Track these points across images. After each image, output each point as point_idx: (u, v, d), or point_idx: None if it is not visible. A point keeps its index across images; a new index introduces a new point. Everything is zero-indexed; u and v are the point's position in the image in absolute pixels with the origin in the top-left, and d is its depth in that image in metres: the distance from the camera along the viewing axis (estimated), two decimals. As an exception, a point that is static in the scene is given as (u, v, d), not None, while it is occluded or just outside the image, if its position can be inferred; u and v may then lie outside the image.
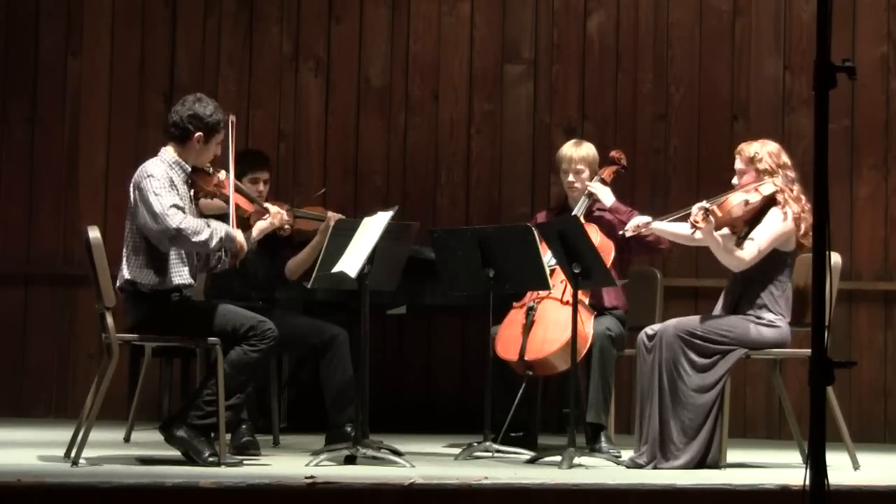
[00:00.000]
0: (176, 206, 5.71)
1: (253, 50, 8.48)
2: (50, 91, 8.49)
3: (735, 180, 6.14)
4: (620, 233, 6.36)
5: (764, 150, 6.12)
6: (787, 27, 8.27)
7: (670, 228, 6.30)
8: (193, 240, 5.71)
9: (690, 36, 8.34)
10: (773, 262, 6.03)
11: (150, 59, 8.49)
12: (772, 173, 6.06)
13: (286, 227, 6.29)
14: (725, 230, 6.01)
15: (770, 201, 6.04)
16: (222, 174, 5.96)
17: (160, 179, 5.75)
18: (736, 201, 5.99)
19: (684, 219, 6.09)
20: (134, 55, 8.48)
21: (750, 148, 6.14)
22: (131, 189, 5.85)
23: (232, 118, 5.98)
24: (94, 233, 5.84)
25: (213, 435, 5.76)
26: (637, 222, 6.32)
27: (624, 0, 8.38)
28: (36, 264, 8.42)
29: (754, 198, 6.02)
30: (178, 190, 5.80)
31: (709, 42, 8.32)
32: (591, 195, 6.73)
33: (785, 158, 6.12)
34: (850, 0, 8.15)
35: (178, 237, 5.70)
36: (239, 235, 5.87)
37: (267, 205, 6.20)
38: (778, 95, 8.25)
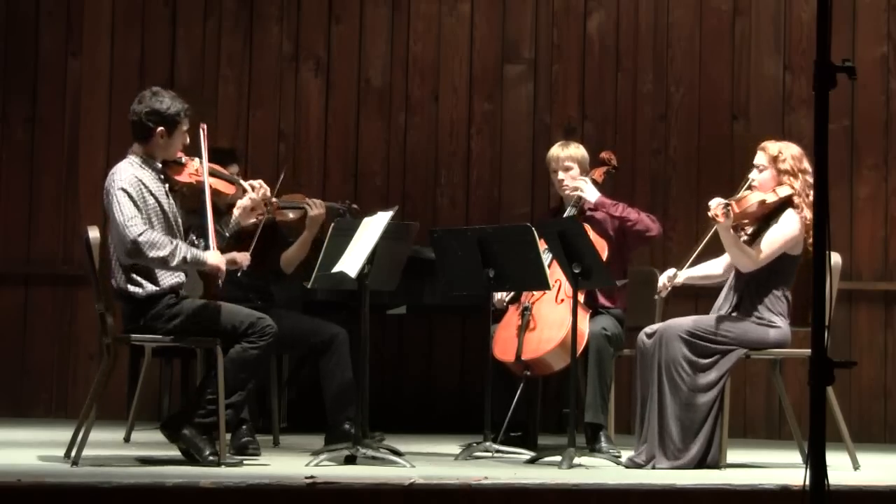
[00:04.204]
0: (138, 216, 5.61)
1: (253, 50, 8.48)
2: (50, 91, 8.49)
3: (753, 174, 6.11)
4: (655, 297, 6.28)
5: (788, 151, 6.10)
6: (787, 27, 8.27)
7: (699, 272, 6.24)
8: (150, 254, 5.56)
9: (690, 36, 8.34)
10: (782, 266, 6.01)
11: (150, 59, 8.49)
12: (793, 175, 6.05)
13: (267, 205, 6.13)
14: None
15: (784, 204, 6.04)
16: (196, 162, 5.87)
17: (125, 186, 5.65)
18: (753, 199, 5.99)
19: (702, 258, 6.09)
20: (134, 55, 8.48)
21: (774, 146, 6.12)
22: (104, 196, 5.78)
23: (203, 126, 5.90)
24: (94, 233, 5.84)
25: (214, 434, 5.74)
26: (664, 281, 6.17)
27: (624, 0, 8.38)
28: (36, 264, 8.42)
29: (771, 198, 6.01)
30: (150, 188, 5.72)
31: (709, 42, 8.32)
32: (577, 192, 6.73)
33: (806, 164, 6.08)
34: (850, 0, 8.15)
35: (136, 250, 5.57)
36: (213, 258, 5.69)
37: (248, 183, 6.07)
38: (778, 95, 8.25)
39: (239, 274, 6.36)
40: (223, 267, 5.74)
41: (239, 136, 8.36)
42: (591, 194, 6.73)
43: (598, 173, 6.86)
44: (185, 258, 5.62)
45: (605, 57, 8.38)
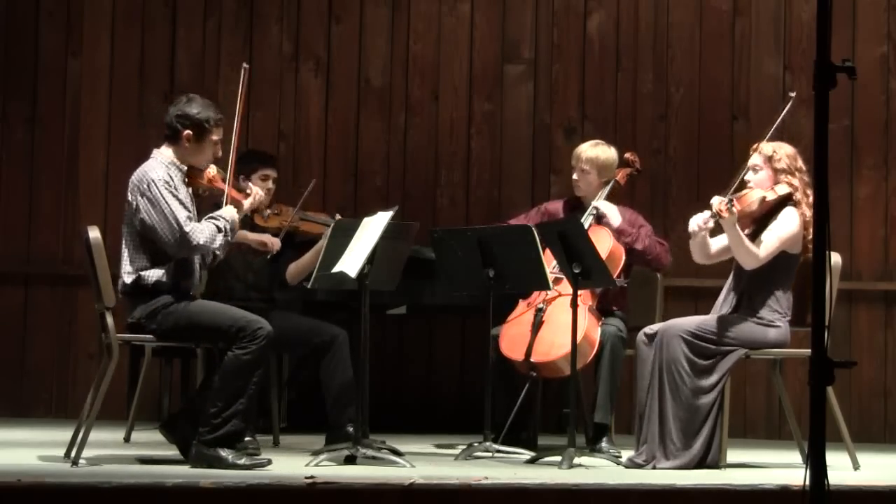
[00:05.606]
0: (189, 217, 5.72)
1: (253, 50, 8.48)
2: (50, 91, 8.49)
3: (749, 175, 6.11)
4: (691, 240, 6.17)
5: (782, 151, 6.12)
6: (787, 27, 8.27)
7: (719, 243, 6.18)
8: (213, 246, 5.77)
9: (690, 36, 8.34)
10: (781, 264, 6.02)
11: (150, 59, 8.49)
12: (790, 173, 6.06)
13: (264, 208, 6.47)
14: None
15: (783, 202, 6.04)
16: (212, 168, 5.97)
17: (165, 185, 5.73)
18: (754, 197, 5.99)
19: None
20: (134, 55, 8.48)
21: (768, 146, 6.12)
22: (131, 194, 5.80)
23: (245, 66, 6.08)
24: (94, 233, 5.84)
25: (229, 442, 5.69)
26: (700, 223, 5.98)
27: (624, 0, 8.38)
28: (36, 264, 8.42)
29: (770, 196, 6.03)
30: (179, 190, 5.79)
31: (709, 42, 8.32)
32: (596, 210, 6.67)
33: (801, 163, 6.10)
34: (850, 0, 8.15)
35: (198, 250, 5.76)
36: (232, 212, 5.91)
37: (247, 183, 6.28)
38: (778, 95, 8.24)
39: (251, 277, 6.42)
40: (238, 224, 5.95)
41: (239, 137, 8.33)
42: (615, 219, 6.66)
43: (622, 175, 6.82)
44: (227, 230, 5.79)
45: (605, 57, 8.38)
